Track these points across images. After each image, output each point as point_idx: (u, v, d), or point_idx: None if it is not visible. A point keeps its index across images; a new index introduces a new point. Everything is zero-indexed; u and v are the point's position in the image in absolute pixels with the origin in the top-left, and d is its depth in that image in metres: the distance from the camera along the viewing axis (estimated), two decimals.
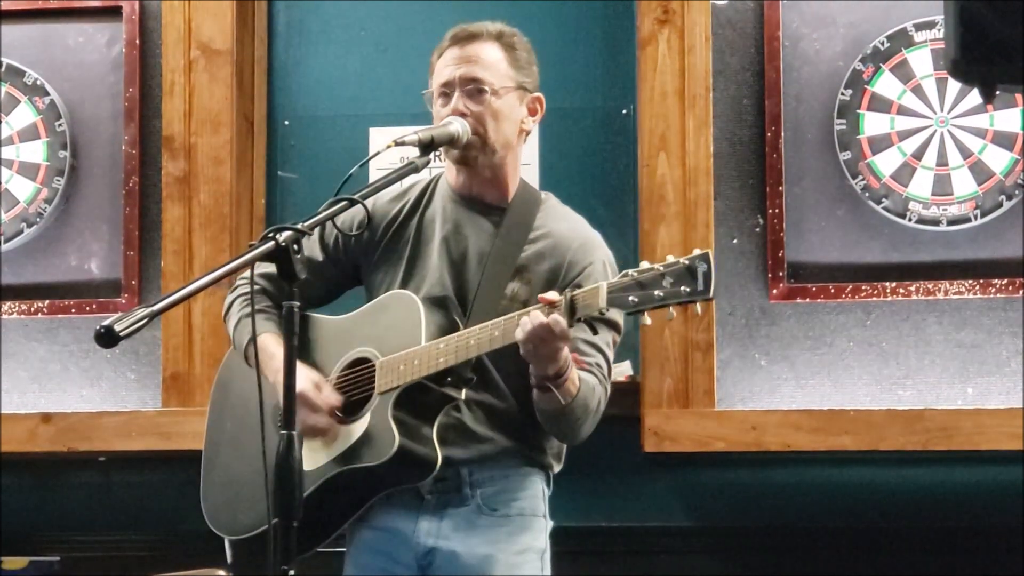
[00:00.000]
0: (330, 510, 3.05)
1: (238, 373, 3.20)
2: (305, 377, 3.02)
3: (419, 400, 2.98)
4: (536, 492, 3.10)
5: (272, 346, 3.07)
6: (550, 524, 3.14)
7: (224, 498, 3.18)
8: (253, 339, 2.79)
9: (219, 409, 3.27)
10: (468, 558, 3.02)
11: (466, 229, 3.11)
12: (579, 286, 2.97)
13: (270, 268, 3.07)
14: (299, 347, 3.10)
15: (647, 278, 2.71)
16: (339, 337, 3.14)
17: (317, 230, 3.18)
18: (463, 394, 2.99)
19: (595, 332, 2.95)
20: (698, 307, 2.70)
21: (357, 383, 3.06)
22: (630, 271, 2.74)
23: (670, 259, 2.71)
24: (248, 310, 3.15)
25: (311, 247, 3.20)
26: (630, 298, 2.71)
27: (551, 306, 2.79)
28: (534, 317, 2.79)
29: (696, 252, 2.69)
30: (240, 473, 3.13)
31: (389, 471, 2.97)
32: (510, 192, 3.13)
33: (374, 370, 3.03)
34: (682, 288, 2.67)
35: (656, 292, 2.69)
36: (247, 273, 3.18)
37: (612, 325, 3.06)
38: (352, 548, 3.13)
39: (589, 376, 2.98)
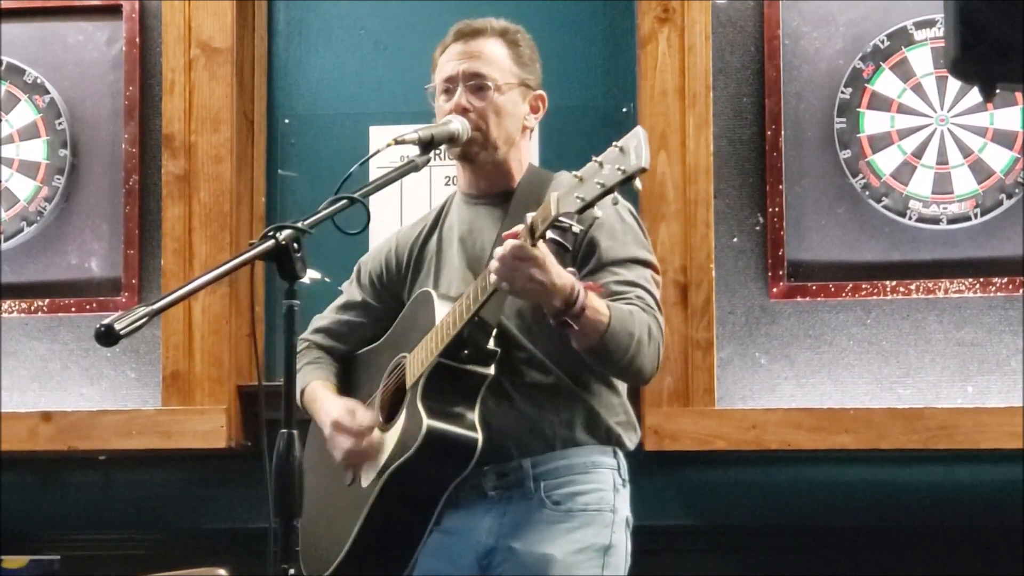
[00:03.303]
0: (400, 524, 3.01)
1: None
2: (339, 405, 3.07)
3: (449, 384, 2.93)
4: (603, 484, 3.01)
5: (319, 392, 3.15)
6: (626, 516, 3.04)
7: (307, 543, 3.18)
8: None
9: (310, 462, 3.26)
10: (526, 557, 2.94)
11: (479, 224, 3.10)
12: (588, 235, 2.96)
13: (325, 323, 3.27)
14: (353, 384, 3.23)
15: (587, 172, 2.66)
16: (381, 356, 3.16)
17: (354, 273, 3.27)
18: (491, 369, 2.93)
19: (620, 270, 2.90)
20: (638, 182, 2.63)
21: (396, 388, 3.06)
22: (575, 172, 2.69)
23: (610, 147, 2.66)
24: (301, 363, 3.22)
25: (349, 291, 3.27)
26: (575, 195, 2.66)
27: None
28: (498, 250, 2.77)
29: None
30: (317, 516, 3.14)
31: (429, 460, 2.91)
32: (516, 181, 3.12)
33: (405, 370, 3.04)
34: (617, 168, 2.62)
35: (596, 181, 2.64)
36: (307, 335, 3.29)
37: (638, 262, 3.00)
38: (421, 551, 3.05)
39: (624, 304, 2.90)
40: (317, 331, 3.29)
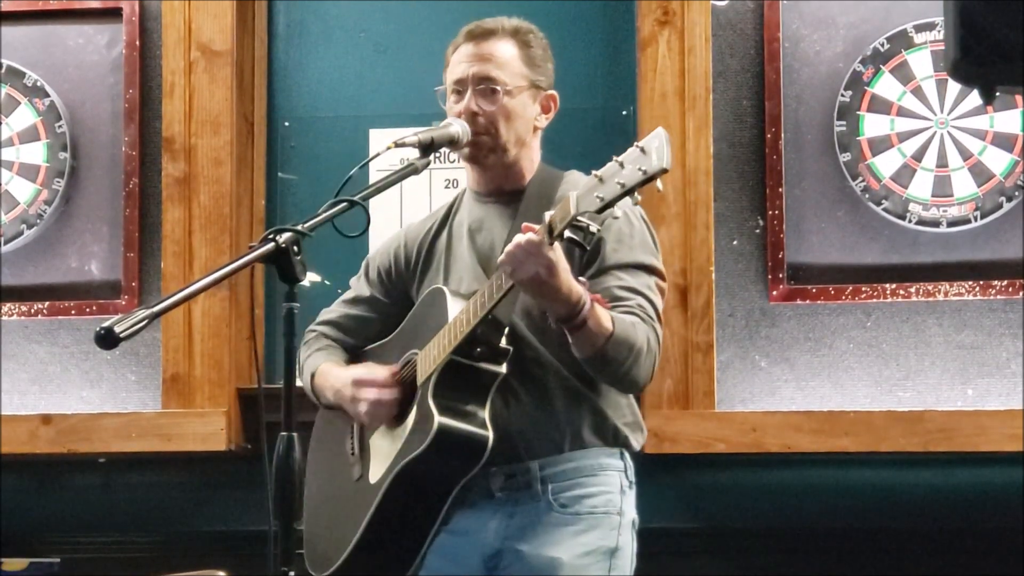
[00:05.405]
0: (407, 521, 3.00)
1: (326, 425, 3.25)
2: (357, 367, 3.10)
3: (461, 382, 2.92)
4: (611, 486, 3.01)
5: (333, 368, 3.15)
6: (633, 519, 3.04)
7: (311, 543, 3.18)
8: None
9: (314, 462, 3.27)
10: (534, 560, 2.94)
11: (489, 222, 3.10)
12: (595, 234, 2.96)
13: (333, 316, 3.25)
14: None
15: (607, 172, 2.65)
16: (390, 353, 3.14)
17: (362, 268, 3.26)
18: (503, 367, 2.92)
19: (624, 275, 2.92)
20: (658, 183, 2.62)
21: (406, 384, 3.05)
22: (595, 171, 2.68)
23: (631, 147, 2.66)
24: (309, 351, 3.24)
25: (357, 286, 3.26)
26: (595, 195, 2.65)
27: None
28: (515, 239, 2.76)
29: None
30: (320, 516, 3.15)
31: (440, 457, 2.90)
32: (527, 180, 3.11)
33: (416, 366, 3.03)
34: (639, 168, 2.61)
35: (617, 181, 2.63)
36: (315, 326, 3.29)
37: (643, 268, 2.99)
38: (428, 551, 3.04)
39: (627, 315, 2.90)
40: (325, 323, 3.28)
